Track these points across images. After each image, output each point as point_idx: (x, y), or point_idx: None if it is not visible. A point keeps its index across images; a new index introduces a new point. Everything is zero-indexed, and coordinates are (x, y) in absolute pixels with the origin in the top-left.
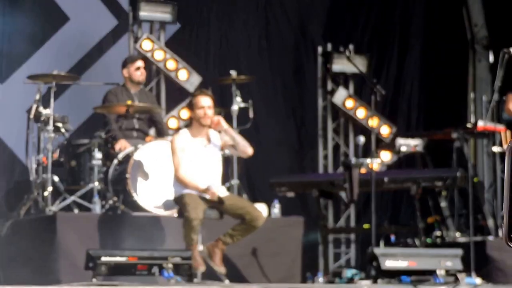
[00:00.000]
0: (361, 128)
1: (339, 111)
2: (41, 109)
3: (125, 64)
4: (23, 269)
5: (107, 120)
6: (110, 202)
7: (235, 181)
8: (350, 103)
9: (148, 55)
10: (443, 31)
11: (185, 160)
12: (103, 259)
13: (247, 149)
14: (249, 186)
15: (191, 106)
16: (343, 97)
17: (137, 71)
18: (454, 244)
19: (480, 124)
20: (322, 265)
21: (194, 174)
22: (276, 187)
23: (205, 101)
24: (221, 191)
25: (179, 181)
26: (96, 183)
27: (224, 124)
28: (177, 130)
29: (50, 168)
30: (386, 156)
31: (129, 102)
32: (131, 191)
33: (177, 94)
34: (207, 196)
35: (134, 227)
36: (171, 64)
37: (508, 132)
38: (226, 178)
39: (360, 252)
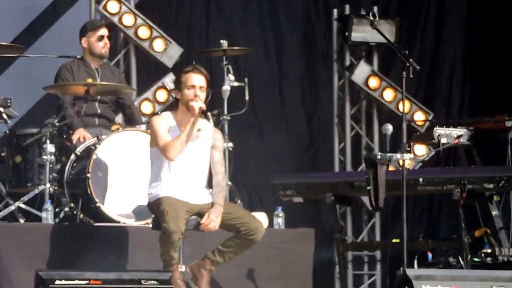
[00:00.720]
0: (389, 114)
1: (360, 93)
2: None
3: (85, 32)
4: None
5: (61, 104)
6: (66, 209)
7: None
8: (374, 82)
9: (115, 19)
10: None
11: (170, 137)
12: (58, 283)
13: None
14: (245, 189)
15: (178, 85)
16: (365, 74)
17: (100, 41)
18: (509, 264)
19: None
20: None
21: (173, 172)
22: (280, 191)
23: (197, 80)
24: (206, 197)
25: (170, 153)
26: (48, 185)
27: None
28: (153, 115)
29: None
30: (420, 150)
31: (89, 81)
32: (93, 195)
33: (152, 70)
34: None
35: (97, 242)
36: (143, 32)
37: None
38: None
39: (388, 274)
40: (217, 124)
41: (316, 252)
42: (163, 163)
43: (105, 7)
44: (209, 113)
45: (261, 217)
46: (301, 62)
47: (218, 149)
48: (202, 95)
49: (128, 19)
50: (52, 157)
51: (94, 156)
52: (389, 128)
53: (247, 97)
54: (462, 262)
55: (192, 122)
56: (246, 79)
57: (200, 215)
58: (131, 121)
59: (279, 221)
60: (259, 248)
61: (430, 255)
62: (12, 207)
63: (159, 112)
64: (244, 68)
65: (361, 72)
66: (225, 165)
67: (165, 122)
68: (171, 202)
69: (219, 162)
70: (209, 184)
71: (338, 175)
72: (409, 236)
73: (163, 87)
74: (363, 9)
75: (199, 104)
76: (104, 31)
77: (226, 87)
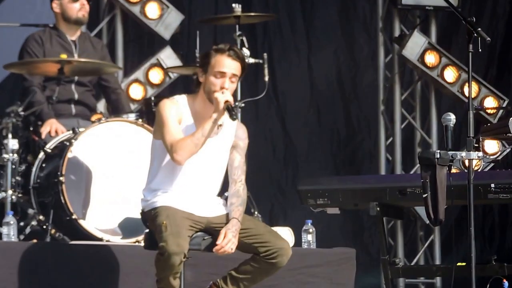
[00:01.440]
0: (451, 100)
1: (413, 72)
2: None
3: None
4: None
5: (28, 87)
6: (33, 223)
7: None
8: (431, 58)
9: None
10: None
11: (180, 131)
12: None
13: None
14: (264, 197)
15: (204, 65)
16: (420, 48)
17: (75, 2)
18: None
19: None
20: None
21: (180, 174)
22: (309, 199)
23: (230, 66)
24: (217, 208)
25: (179, 154)
26: (10, 192)
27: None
28: (146, 102)
29: None
30: (492, 146)
31: (63, 56)
32: (68, 205)
33: (144, 43)
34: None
35: (73, 265)
36: None
37: None
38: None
39: None
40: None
41: (358, 278)
42: (169, 161)
43: None
44: (235, 109)
45: (286, 234)
46: (337, 32)
47: (241, 150)
48: (232, 86)
49: None
50: (15, 155)
51: (69, 155)
52: (451, 118)
53: (266, 78)
54: None
55: (214, 119)
56: (265, 55)
57: (208, 231)
58: (117, 109)
59: (309, 238)
60: (283, 274)
61: (506, 283)
62: None
63: (153, 98)
64: (263, 40)
65: (415, 45)
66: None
67: (177, 109)
68: (172, 214)
69: (239, 167)
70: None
71: (384, 179)
72: (478, 259)
73: (158, 65)
74: None
75: (225, 96)
76: None
77: None
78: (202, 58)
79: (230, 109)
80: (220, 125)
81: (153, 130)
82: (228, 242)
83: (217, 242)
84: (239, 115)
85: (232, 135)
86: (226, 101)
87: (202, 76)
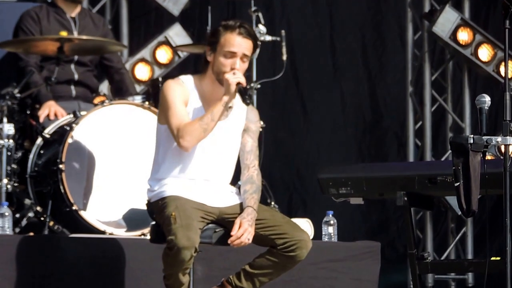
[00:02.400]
0: (486, 81)
1: (445, 50)
2: None
3: None
4: None
5: (24, 67)
6: (30, 214)
7: None
8: (464, 35)
9: None
10: None
11: (187, 114)
12: None
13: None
14: (282, 186)
15: (212, 43)
16: (452, 25)
17: None
18: None
19: None
20: None
21: (188, 161)
22: (331, 188)
23: (241, 45)
24: (230, 197)
25: (186, 139)
26: (5, 181)
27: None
28: (152, 84)
29: None
30: None
31: (63, 34)
32: (68, 195)
33: (151, 20)
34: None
35: (73, 259)
36: None
37: None
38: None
39: None
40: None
41: (382, 274)
42: (175, 147)
43: None
44: (248, 92)
45: (305, 225)
46: (362, 6)
47: (253, 134)
48: (244, 66)
49: None
50: (11, 141)
51: (69, 140)
52: (486, 100)
53: (284, 57)
54: None
55: (224, 102)
56: (283, 32)
57: (221, 222)
58: (120, 90)
59: (330, 231)
60: (302, 268)
61: None
62: None
63: (160, 79)
64: (281, 16)
65: (447, 21)
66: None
67: (182, 90)
68: (181, 204)
69: (252, 151)
70: (235, 179)
71: (413, 167)
72: None
73: (166, 43)
74: None
75: (237, 78)
76: None
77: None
78: (210, 36)
79: (242, 92)
80: (230, 107)
81: (158, 114)
82: (244, 232)
83: (232, 233)
84: (254, 97)
85: (243, 118)
86: (238, 83)
87: (210, 55)
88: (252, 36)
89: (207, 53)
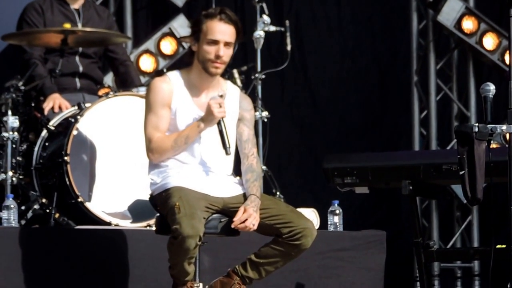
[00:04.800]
0: (491, 69)
1: (449, 39)
2: None
3: None
4: None
5: (28, 59)
6: (36, 206)
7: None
8: (469, 24)
9: None
10: None
11: (165, 122)
12: None
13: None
14: (287, 176)
15: (195, 33)
16: (457, 13)
17: None
18: None
19: None
20: None
21: (187, 153)
22: (336, 178)
23: (223, 33)
24: (233, 187)
25: (154, 155)
26: (10, 173)
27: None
28: (157, 75)
29: None
30: None
31: (67, 26)
32: (74, 187)
33: (155, 12)
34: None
35: (79, 251)
36: None
37: None
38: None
39: None
40: (247, 85)
41: (388, 263)
42: None
43: None
44: (236, 74)
45: (310, 215)
46: None
47: (248, 122)
48: (228, 52)
49: None
50: (16, 134)
51: (74, 132)
52: (491, 88)
53: (289, 47)
54: None
55: (201, 129)
56: (287, 22)
57: (225, 212)
58: (125, 82)
59: (336, 220)
60: (307, 258)
61: None
62: None
63: (165, 70)
64: (289, 8)
65: (451, 10)
66: (258, 144)
67: (166, 90)
68: (185, 195)
69: (250, 140)
70: (236, 171)
71: (418, 156)
72: None
73: (171, 34)
74: None
75: (221, 112)
76: None
77: (259, 33)
78: (193, 26)
79: (222, 134)
80: (222, 95)
81: None
82: (248, 217)
83: (235, 218)
84: (259, 87)
85: (236, 107)
86: (219, 123)
87: (194, 45)
88: (234, 22)
89: (191, 43)
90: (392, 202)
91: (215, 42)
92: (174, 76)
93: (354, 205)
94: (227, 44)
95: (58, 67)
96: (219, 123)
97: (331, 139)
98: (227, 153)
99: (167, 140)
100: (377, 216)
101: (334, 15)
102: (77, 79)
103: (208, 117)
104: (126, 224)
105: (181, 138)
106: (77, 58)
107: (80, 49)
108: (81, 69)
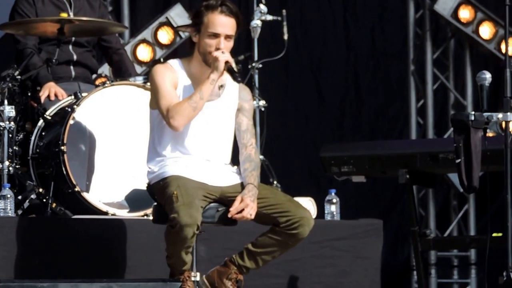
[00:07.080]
0: (487, 58)
1: (446, 28)
2: None
3: None
4: None
5: (23, 49)
6: (32, 196)
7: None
8: (466, 13)
9: None
10: None
11: (176, 98)
12: None
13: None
14: (284, 166)
15: (196, 24)
16: (453, 3)
17: None
18: None
19: None
20: None
21: (185, 142)
22: (333, 167)
23: (224, 26)
24: (231, 176)
25: (176, 120)
26: (6, 163)
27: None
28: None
29: None
30: None
31: (63, 15)
32: (71, 177)
33: (151, 1)
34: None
35: (76, 241)
36: None
37: None
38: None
39: (488, 281)
40: (244, 74)
41: (385, 252)
42: (169, 130)
43: None
44: (236, 70)
45: (307, 204)
46: None
47: (247, 112)
48: (228, 45)
49: None
50: (12, 123)
51: (71, 122)
52: (487, 77)
53: (286, 36)
54: None
55: (212, 80)
56: (284, 12)
57: (222, 202)
58: (120, 70)
59: (333, 209)
60: (305, 247)
61: None
62: None
63: (162, 60)
64: None
65: None
66: (256, 133)
67: (171, 73)
68: (183, 183)
69: (248, 130)
70: (234, 161)
71: (415, 145)
72: None
73: (168, 24)
74: None
75: (225, 56)
76: None
77: (256, 22)
78: (194, 17)
79: (232, 71)
80: (221, 86)
81: (149, 100)
82: (245, 207)
83: (231, 208)
84: (256, 77)
85: (235, 97)
86: (227, 62)
87: (195, 36)
88: (235, 14)
89: (192, 34)
90: (384, 189)
91: (216, 35)
92: (176, 64)
93: (349, 193)
94: (228, 37)
95: (55, 56)
96: (228, 68)
97: (325, 128)
98: (238, 82)
99: (183, 102)
100: (370, 203)
101: (339, 5)
102: (71, 68)
103: (215, 66)
104: (123, 213)
105: (195, 94)
106: (70, 47)
107: (73, 38)
108: (75, 57)
